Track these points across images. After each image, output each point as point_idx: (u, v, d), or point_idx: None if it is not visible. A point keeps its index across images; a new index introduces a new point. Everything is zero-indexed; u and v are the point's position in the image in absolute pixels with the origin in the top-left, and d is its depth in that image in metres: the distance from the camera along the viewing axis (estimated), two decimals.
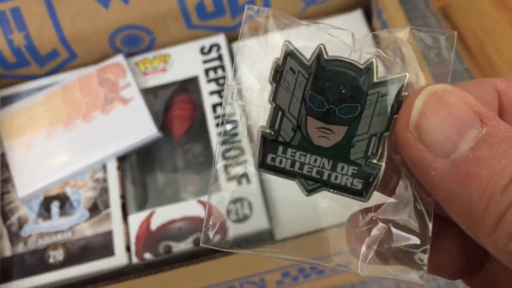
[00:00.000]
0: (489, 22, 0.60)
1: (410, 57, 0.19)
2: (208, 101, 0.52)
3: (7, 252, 0.47)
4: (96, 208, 0.48)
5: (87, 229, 0.48)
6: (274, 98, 0.19)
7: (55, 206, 0.49)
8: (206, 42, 0.56)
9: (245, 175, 0.45)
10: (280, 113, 0.19)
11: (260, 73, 0.20)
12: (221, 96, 0.52)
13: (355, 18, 0.56)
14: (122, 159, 0.51)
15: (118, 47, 0.56)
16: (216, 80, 0.53)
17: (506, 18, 0.58)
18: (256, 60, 0.20)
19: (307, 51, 0.18)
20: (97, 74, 0.54)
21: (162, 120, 0.52)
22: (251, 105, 0.20)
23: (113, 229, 0.47)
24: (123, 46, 0.56)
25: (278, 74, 0.19)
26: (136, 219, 0.47)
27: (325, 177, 0.19)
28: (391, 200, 0.19)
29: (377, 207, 0.19)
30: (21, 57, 0.54)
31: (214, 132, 0.51)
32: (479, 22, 0.61)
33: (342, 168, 0.19)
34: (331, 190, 0.19)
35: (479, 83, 0.19)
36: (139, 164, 0.50)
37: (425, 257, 0.19)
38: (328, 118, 0.19)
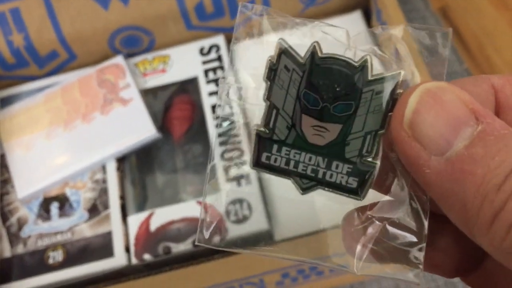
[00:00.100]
0: (489, 22, 0.59)
1: (405, 55, 0.19)
2: (208, 101, 0.52)
3: (7, 253, 0.47)
4: (95, 209, 0.48)
5: (86, 230, 0.48)
6: (268, 96, 0.19)
7: (54, 207, 0.49)
8: (206, 43, 0.56)
9: (244, 176, 0.45)
10: (274, 111, 0.19)
11: (255, 71, 0.19)
12: None
13: (354, 19, 0.56)
14: (121, 160, 0.51)
15: (117, 48, 0.56)
16: (215, 81, 0.53)
17: (506, 18, 0.58)
18: (250, 58, 0.20)
19: (302, 48, 0.18)
20: (96, 75, 0.54)
21: (162, 120, 0.52)
22: (246, 104, 0.20)
23: (112, 230, 0.47)
24: (122, 47, 0.56)
25: (272, 72, 0.18)
26: (135, 220, 0.47)
27: (320, 175, 0.19)
28: (387, 198, 0.19)
29: (372, 205, 0.19)
30: (20, 58, 0.54)
31: (213, 133, 0.51)
32: (479, 23, 0.61)
33: (337, 166, 0.19)
34: (326, 189, 0.19)
35: (475, 80, 0.19)
36: (138, 165, 0.50)
37: (421, 255, 0.18)
38: (323, 116, 0.18)
